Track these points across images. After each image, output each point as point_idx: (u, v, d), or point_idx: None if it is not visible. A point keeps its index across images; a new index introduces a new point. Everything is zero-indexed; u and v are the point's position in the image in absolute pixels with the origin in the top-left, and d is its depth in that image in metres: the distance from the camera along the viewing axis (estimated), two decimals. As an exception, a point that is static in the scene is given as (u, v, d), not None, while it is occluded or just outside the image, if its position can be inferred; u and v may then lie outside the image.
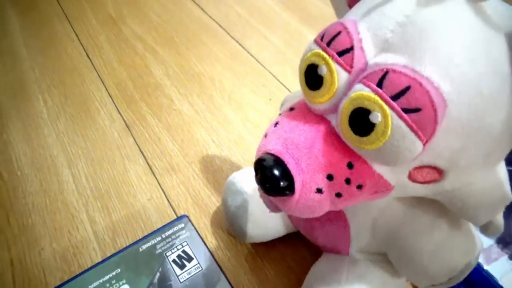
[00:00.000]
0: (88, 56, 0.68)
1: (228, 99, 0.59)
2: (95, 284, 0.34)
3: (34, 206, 0.47)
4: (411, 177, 0.24)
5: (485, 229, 0.26)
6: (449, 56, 0.20)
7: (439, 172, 0.23)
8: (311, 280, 0.34)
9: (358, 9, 0.23)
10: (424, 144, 0.21)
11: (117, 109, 0.58)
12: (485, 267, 0.35)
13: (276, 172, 0.24)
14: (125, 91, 0.61)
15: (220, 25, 0.73)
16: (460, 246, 0.28)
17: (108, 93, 0.61)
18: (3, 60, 0.68)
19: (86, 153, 0.52)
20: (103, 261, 0.36)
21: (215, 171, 0.49)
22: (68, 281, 0.35)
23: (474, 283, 0.34)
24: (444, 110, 0.20)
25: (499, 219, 0.25)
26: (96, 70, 0.65)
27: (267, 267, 0.40)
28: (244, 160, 0.50)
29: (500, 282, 0.33)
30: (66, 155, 0.52)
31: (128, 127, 0.55)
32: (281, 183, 0.24)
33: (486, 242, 0.36)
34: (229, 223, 0.39)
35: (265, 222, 0.38)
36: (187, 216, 0.39)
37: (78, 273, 0.36)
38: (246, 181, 0.39)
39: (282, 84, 0.60)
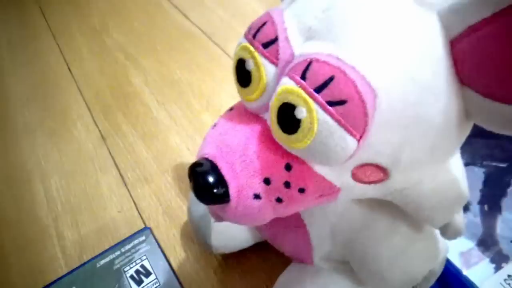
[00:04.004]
0: (69, 68, 0.68)
1: (206, 104, 0.57)
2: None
3: (6, 222, 0.46)
4: (355, 177, 0.21)
5: (444, 231, 0.23)
6: (375, 41, 0.18)
7: (383, 171, 0.21)
8: (275, 292, 0.32)
9: None
10: (358, 140, 0.19)
11: (94, 120, 0.57)
12: (465, 272, 0.32)
13: (210, 179, 0.22)
14: (103, 102, 0.60)
15: (202, 30, 0.71)
16: (420, 252, 0.25)
17: (86, 104, 0.60)
18: (-14, 77, 0.68)
19: (59, 166, 0.51)
20: (55, 281, 0.34)
21: (188, 179, 0.47)
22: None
23: (452, 290, 0.31)
24: (374, 100, 0.18)
25: (458, 220, 0.23)
26: (75, 82, 0.64)
27: (237, 280, 0.38)
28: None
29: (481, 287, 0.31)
30: (40, 169, 0.51)
31: (103, 138, 0.54)
32: (215, 190, 0.22)
33: (466, 245, 0.34)
34: (194, 233, 0.37)
35: (229, 231, 0.36)
36: (149, 228, 0.38)
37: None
38: (210, 188, 0.37)
39: (261, 87, 0.58)
